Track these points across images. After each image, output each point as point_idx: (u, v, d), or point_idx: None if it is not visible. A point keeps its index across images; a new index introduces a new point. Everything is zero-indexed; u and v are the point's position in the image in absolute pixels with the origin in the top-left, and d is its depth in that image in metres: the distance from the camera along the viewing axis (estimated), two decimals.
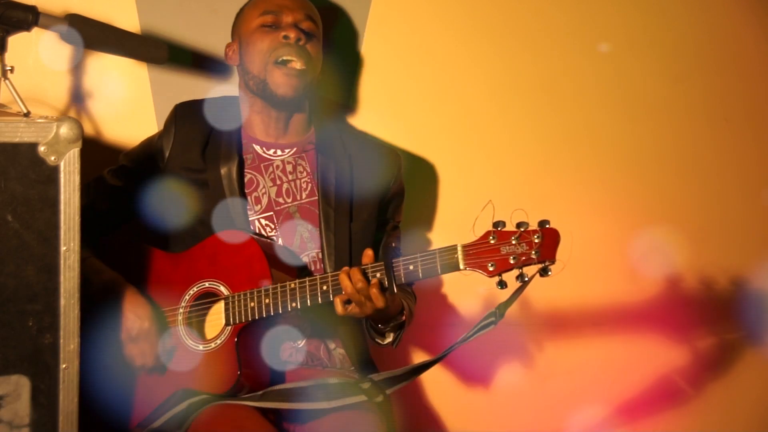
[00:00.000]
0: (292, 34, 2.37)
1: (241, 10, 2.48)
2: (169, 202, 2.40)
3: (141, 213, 2.44)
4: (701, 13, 2.92)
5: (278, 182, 2.41)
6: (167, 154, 2.40)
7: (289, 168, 2.43)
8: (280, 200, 2.40)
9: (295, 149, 2.45)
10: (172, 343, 2.27)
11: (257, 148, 2.43)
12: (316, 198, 2.40)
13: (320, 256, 2.37)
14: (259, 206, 2.39)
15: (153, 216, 2.40)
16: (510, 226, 2.00)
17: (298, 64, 2.36)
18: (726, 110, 2.97)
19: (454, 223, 2.79)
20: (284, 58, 2.36)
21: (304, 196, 2.41)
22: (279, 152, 2.44)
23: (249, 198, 2.39)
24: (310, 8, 2.45)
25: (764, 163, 3.01)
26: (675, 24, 2.91)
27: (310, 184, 2.42)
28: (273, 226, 2.38)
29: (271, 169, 2.42)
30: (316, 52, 2.41)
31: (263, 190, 2.40)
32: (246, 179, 2.40)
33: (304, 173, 2.43)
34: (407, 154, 2.74)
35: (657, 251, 2.87)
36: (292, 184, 2.42)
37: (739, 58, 2.96)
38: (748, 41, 2.96)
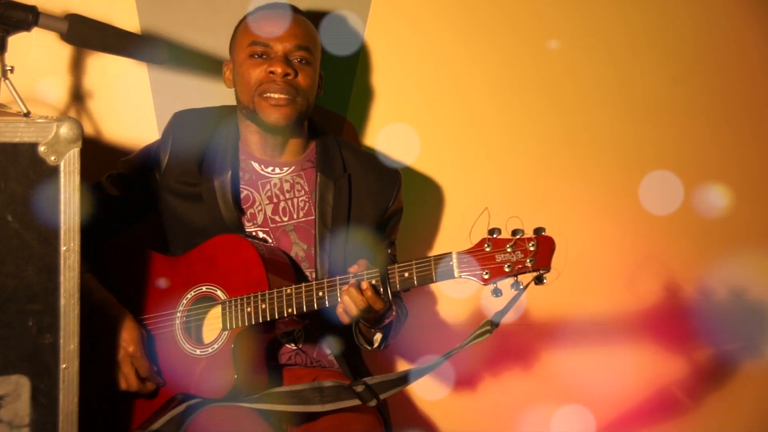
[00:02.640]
0: (278, 69, 2.28)
1: (237, 28, 2.40)
2: (165, 213, 2.39)
3: (138, 222, 2.44)
4: (701, 13, 2.92)
5: (275, 200, 2.38)
6: (164, 165, 2.37)
7: (286, 186, 2.39)
8: (276, 218, 2.38)
9: (293, 168, 2.40)
10: (169, 348, 2.26)
11: (255, 165, 2.40)
12: (313, 218, 2.37)
13: (314, 276, 2.34)
14: (255, 222, 2.37)
15: (149, 225, 2.40)
16: (506, 233, 1.98)
17: (283, 98, 2.29)
18: (726, 110, 2.97)
19: (453, 224, 2.79)
20: (268, 95, 2.29)
21: (301, 215, 2.38)
22: (277, 170, 2.40)
23: (245, 214, 2.37)
24: (303, 35, 2.34)
25: (764, 163, 3.01)
26: (675, 24, 2.91)
27: (307, 203, 2.39)
28: (269, 242, 2.37)
29: (268, 186, 2.39)
30: (308, 82, 2.32)
31: (259, 207, 2.38)
32: (242, 195, 2.38)
33: (302, 192, 2.39)
34: (406, 155, 2.73)
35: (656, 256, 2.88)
36: (289, 202, 2.38)
37: (739, 58, 2.96)
38: (748, 41, 2.95)
